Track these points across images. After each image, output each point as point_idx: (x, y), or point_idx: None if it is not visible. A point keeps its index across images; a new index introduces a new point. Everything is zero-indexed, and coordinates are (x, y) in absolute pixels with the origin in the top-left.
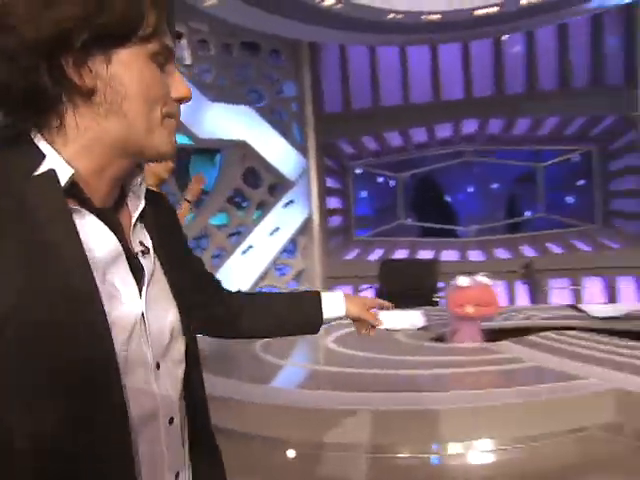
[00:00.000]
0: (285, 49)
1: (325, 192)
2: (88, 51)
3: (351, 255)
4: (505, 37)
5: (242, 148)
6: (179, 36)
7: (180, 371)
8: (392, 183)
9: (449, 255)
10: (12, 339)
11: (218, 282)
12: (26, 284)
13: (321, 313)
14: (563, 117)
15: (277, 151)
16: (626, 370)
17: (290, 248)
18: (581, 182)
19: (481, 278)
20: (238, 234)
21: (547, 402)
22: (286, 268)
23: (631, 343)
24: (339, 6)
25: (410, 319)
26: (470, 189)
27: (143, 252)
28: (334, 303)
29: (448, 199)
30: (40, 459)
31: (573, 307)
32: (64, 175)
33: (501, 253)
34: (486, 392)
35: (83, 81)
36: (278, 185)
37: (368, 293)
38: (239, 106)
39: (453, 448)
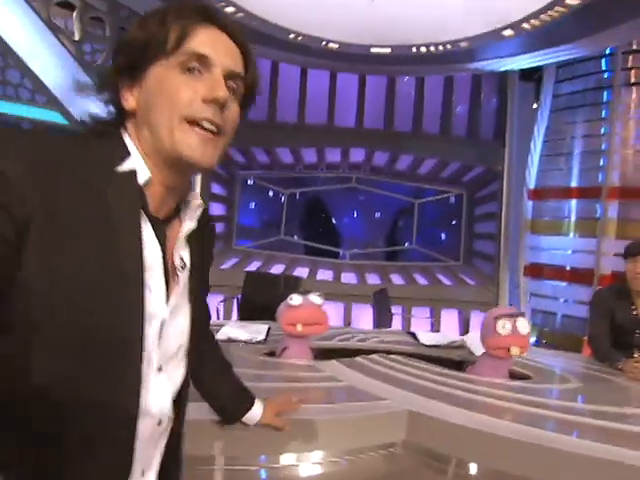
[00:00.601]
0: None
1: (209, 197)
2: (131, 76)
3: (228, 264)
4: (406, 79)
5: None
6: (72, 10)
7: (175, 385)
8: (283, 198)
9: (324, 275)
10: (56, 302)
11: (213, 337)
12: (88, 263)
13: (241, 414)
14: (441, 160)
15: None
16: (424, 394)
17: None
18: (454, 222)
19: (312, 297)
20: None
21: (354, 419)
22: None
23: (439, 369)
24: (239, 15)
25: (252, 332)
26: (355, 215)
27: (182, 267)
28: (254, 413)
29: (333, 221)
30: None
31: (410, 334)
32: (142, 177)
33: (373, 279)
34: (303, 408)
35: (128, 104)
36: None
37: (232, 303)
38: None
39: (285, 459)
